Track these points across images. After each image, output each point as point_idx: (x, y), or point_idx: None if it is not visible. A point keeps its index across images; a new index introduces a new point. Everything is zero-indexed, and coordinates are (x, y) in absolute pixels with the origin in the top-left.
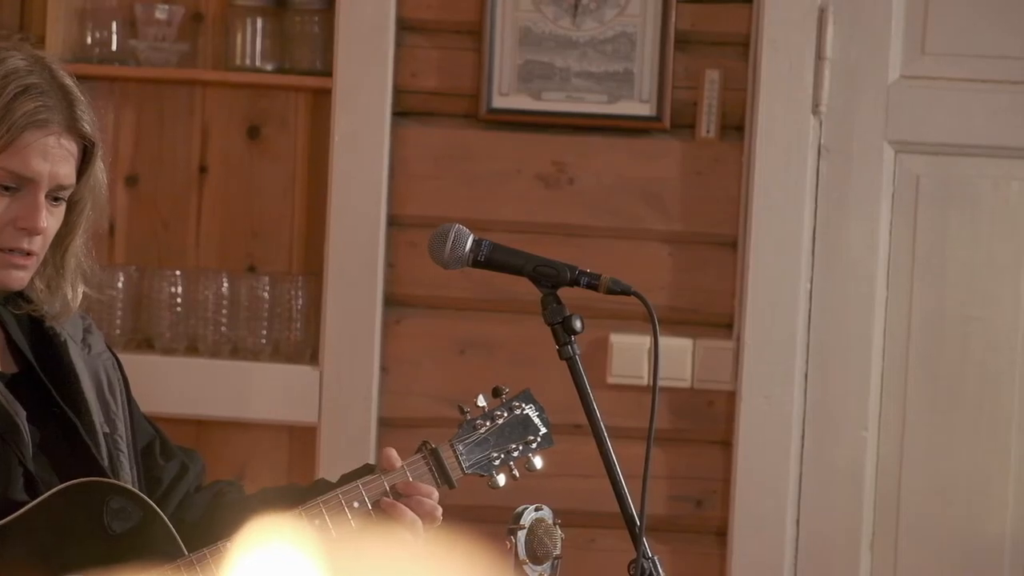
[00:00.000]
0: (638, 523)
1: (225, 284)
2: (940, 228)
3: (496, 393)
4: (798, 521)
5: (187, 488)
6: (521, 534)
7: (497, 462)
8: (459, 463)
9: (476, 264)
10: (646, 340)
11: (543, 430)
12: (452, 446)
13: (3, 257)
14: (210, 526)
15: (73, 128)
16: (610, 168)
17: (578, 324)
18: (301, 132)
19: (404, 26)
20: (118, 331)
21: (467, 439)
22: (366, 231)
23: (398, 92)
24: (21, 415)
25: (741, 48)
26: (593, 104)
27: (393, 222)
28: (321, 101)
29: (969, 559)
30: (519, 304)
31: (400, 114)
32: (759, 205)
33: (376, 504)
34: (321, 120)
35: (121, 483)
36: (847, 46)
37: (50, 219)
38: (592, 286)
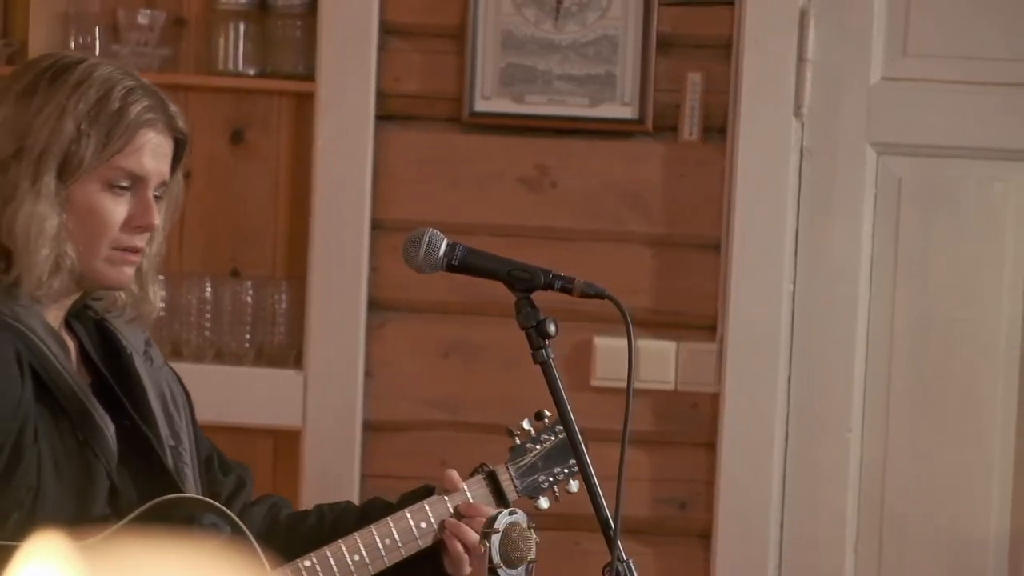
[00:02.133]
0: (613, 526)
1: (208, 288)
2: (923, 230)
3: (539, 416)
4: (782, 523)
5: (244, 502)
6: (495, 538)
7: (544, 485)
8: (513, 486)
9: (450, 268)
10: None
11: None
12: (508, 469)
13: (118, 255)
14: (271, 541)
15: (171, 126)
16: (593, 171)
17: (552, 328)
18: (284, 136)
19: (387, 30)
20: None
21: (519, 462)
22: (350, 235)
23: (381, 96)
24: (110, 428)
25: (723, 50)
26: (575, 107)
27: (377, 225)
28: (304, 105)
29: (953, 559)
30: (503, 307)
31: (383, 118)
32: (742, 207)
33: (441, 525)
34: (304, 124)
35: (210, 500)
36: (829, 48)
37: (158, 216)
38: (566, 289)
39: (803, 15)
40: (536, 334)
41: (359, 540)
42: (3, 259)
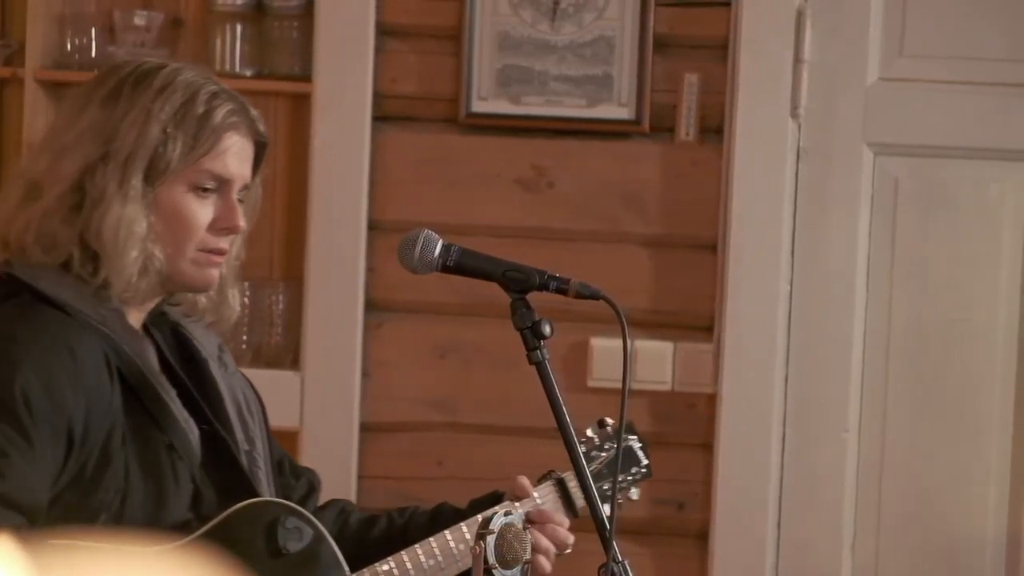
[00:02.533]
0: (608, 526)
1: None
2: (919, 230)
3: (601, 424)
4: (779, 523)
5: (314, 506)
6: (491, 539)
7: (608, 493)
8: (581, 493)
9: (445, 269)
10: None
11: (644, 462)
12: (575, 476)
13: (204, 257)
14: (341, 545)
15: (253, 129)
16: (589, 172)
17: (547, 329)
18: (281, 137)
19: (384, 31)
20: None
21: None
22: (347, 235)
23: (378, 97)
24: (193, 431)
25: (720, 51)
26: (572, 108)
27: (373, 226)
28: (301, 106)
29: (950, 561)
30: (499, 308)
31: (380, 119)
32: (738, 208)
33: None
34: (301, 125)
35: (293, 504)
36: (825, 48)
37: (243, 218)
38: (561, 290)
39: (799, 15)
40: (531, 335)
41: (434, 544)
42: (91, 262)
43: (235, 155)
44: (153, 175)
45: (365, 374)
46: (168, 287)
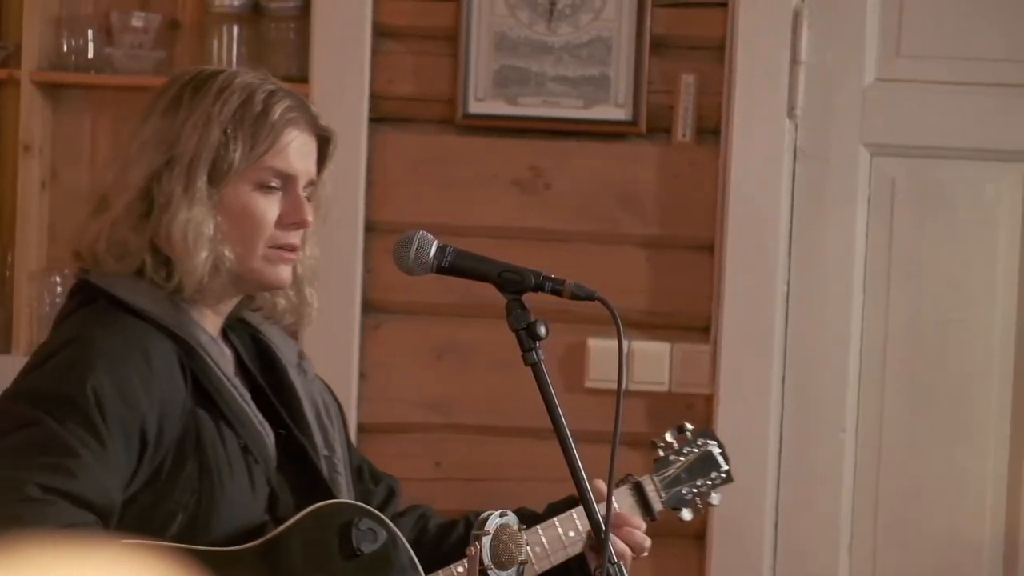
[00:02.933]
0: (604, 527)
1: None
2: (916, 230)
3: (680, 430)
4: (776, 524)
5: (394, 511)
6: (486, 540)
7: (688, 497)
8: (659, 496)
9: (440, 271)
10: (624, 344)
11: (724, 467)
12: (653, 480)
13: (276, 254)
14: (419, 549)
15: (314, 124)
16: (586, 173)
17: (542, 330)
18: None
19: (380, 32)
20: None
21: (664, 474)
22: (344, 237)
23: (374, 98)
24: (269, 435)
25: (716, 52)
26: (569, 109)
27: (371, 227)
28: None
29: (948, 561)
30: (496, 309)
31: (377, 120)
32: (735, 209)
33: (589, 534)
34: None
35: (366, 506)
36: (822, 49)
37: (311, 213)
38: (556, 291)
39: (796, 16)
40: (527, 336)
41: None
42: (163, 267)
43: (296, 151)
44: (217, 176)
45: (362, 375)
46: (242, 287)
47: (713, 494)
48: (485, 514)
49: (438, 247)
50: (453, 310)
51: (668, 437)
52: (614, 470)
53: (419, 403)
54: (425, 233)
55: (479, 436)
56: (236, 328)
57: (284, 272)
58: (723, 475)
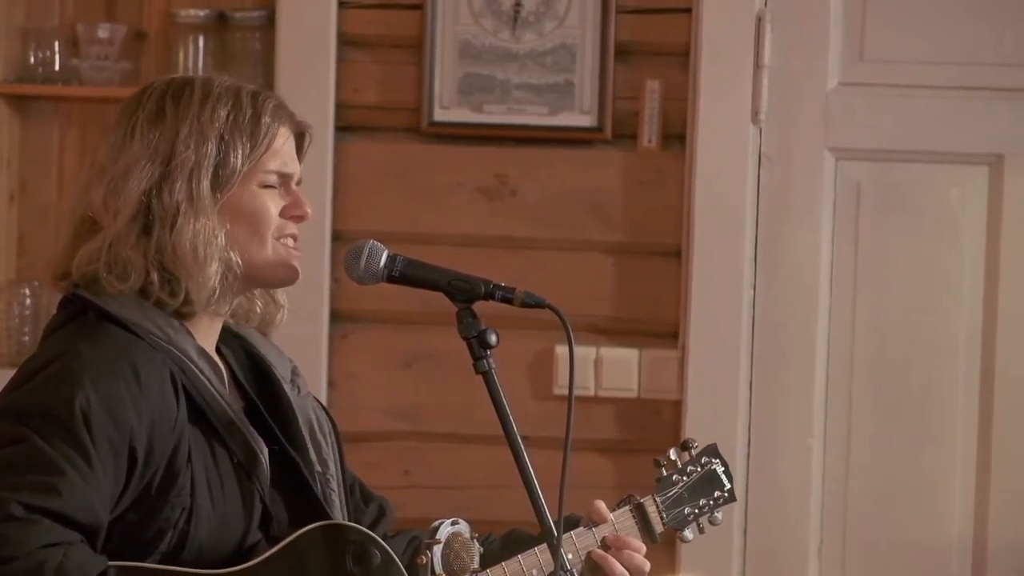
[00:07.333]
0: (556, 534)
1: None
2: (882, 234)
3: (684, 446)
4: (745, 529)
5: (384, 531)
6: (437, 548)
7: (690, 517)
8: (660, 517)
9: (391, 279)
10: (591, 351)
11: (728, 486)
12: (655, 500)
13: (284, 246)
14: (412, 571)
15: (294, 121)
16: (552, 179)
17: (493, 338)
18: None
19: (345, 41)
20: None
21: (667, 494)
22: (311, 246)
23: (340, 107)
24: (264, 451)
25: (681, 58)
26: (534, 116)
27: (337, 236)
28: None
29: (916, 565)
30: None
31: (342, 129)
32: (701, 214)
33: (587, 557)
34: None
35: (362, 528)
36: (785, 54)
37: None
38: (507, 300)
39: (759, 22)
40: (477, 344)
41: (506, 570)
42: (168, 284)
43: (288, 149)
44: (220, 183)
45: (331, 384)
46: (252, 286)
47: (715, 513)
48: (436, 522)
49: (388, 256)
50: (421, 319)
51: (672, 455)
52: (566, 477)
53: (388, 411)
54: (376, 242)
55: (448, 444)
56: (229, 342)
57: (295, 265)
58: (726, 495)
